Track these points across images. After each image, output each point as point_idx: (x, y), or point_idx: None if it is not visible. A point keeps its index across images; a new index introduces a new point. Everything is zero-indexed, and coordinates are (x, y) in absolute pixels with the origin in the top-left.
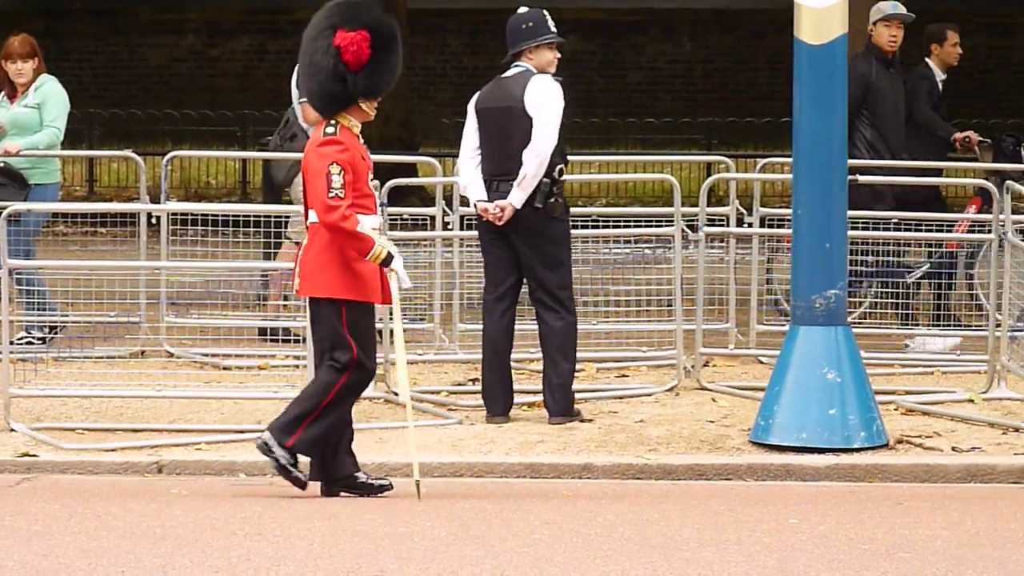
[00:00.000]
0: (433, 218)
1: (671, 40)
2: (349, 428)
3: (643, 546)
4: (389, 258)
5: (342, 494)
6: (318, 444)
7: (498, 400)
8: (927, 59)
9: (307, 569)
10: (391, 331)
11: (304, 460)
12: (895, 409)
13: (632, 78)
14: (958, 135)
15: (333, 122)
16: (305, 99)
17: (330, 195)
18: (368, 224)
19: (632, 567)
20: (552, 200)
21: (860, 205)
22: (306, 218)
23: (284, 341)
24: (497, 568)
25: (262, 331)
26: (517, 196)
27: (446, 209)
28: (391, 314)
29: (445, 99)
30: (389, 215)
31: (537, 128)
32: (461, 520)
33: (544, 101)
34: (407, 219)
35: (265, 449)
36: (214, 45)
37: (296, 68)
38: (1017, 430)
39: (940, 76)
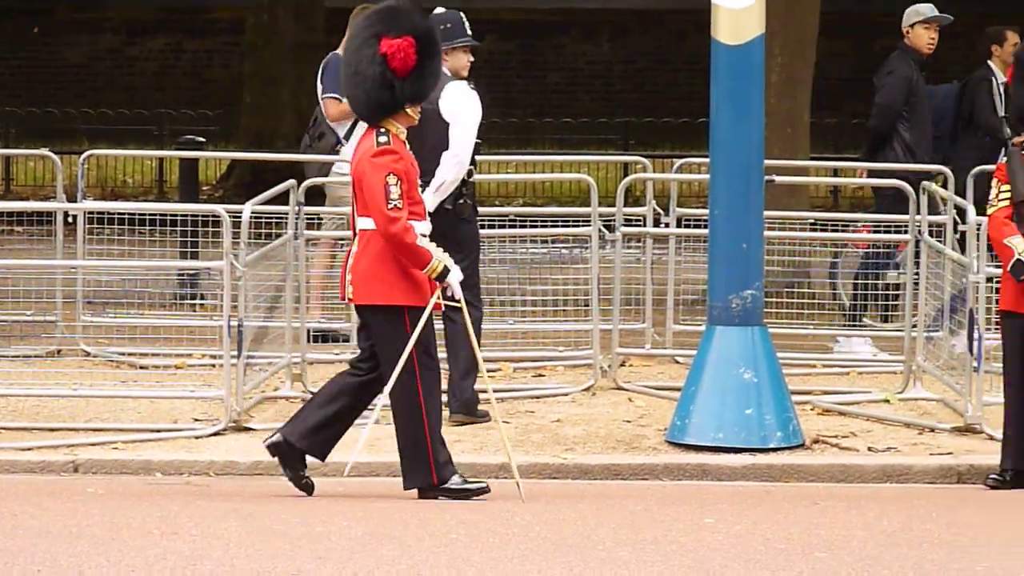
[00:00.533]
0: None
1: (590, 40)
2: (347, 423)
3: (560, 545)
4: (445, 272)
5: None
6: (449, 457)
7: None
8: (989, 61)
9: (224, 569)
10: (307, 330)
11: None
12: (811, 409)
13: (551, 78)
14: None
15: (384, 130)
16: (329, 95)
17: (389, 206)
18: (419, 230)
19: (549, 566)
20: (462, 201)
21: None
22: (353, 224)
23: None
24: (414, 568)
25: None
26: (431, 199)
27: None
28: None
29: None
30: (306, 214)
31: (456, 135)
32: (378, 519)
33: (462, 108)
34: (323, 219)
35: (430, 496)
36: (132, 44)
37: (322, 65)
38: (932, 430)
39: (1002, 78)
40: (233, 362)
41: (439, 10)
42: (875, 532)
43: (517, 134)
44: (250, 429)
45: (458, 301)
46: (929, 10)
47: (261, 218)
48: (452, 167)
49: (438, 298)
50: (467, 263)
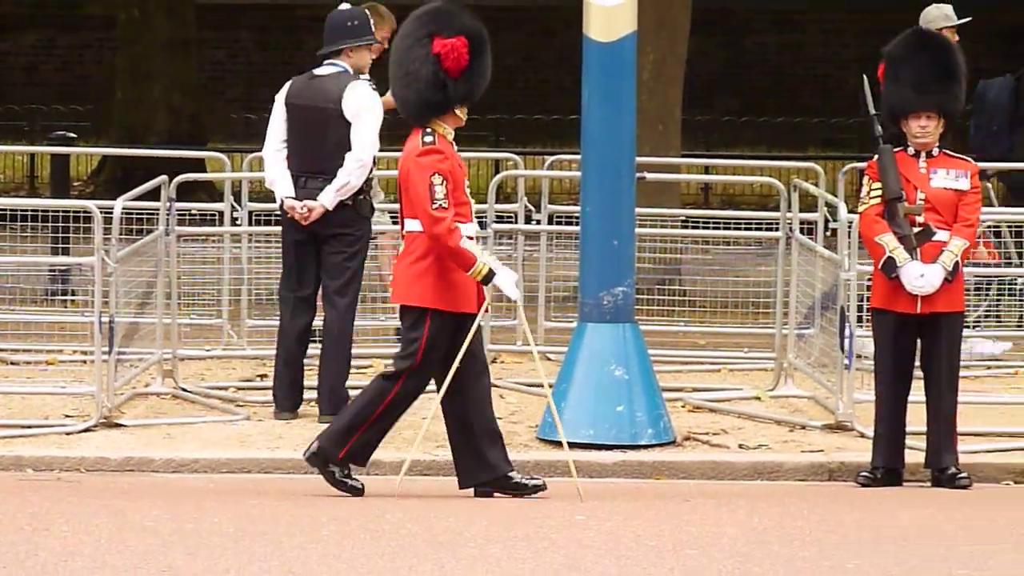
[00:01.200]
0: (221, 213)
1: None
2: (494, 425)
3: (431, 542)
4: (490, 275)
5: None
6: (367, 452)
7: (288, 397)
8: None
9: (95, 565)
10: (178, 325)
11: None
12: (683, 406)
13: None
14: None
15: (429, 130)
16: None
17: (434, 206)
18: (466, 232)
19: (419, 563)
20: (362, 197)
21: None
22: (401, 226)
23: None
24: (285, 564)
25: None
26: (330, 198)
27: (234, 204)
28: None
29: (235, 95)
30: (178, 210)
31: (359, 136)
32: (249, 516)
33: (365, 109)
34: (195, 214)
35: (316, 462)
36: (2, 39)
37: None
38: (803, 428)
39: None
40: (104, 358)
41: (344, 6)
42: (746, 529)
43: (388, 131)
44: (121, 425)
45: (513, 301)
46: (952, 13)
47: (132, 214)
48: (356, 171)
49: (487, 306)
50: (358, 261)
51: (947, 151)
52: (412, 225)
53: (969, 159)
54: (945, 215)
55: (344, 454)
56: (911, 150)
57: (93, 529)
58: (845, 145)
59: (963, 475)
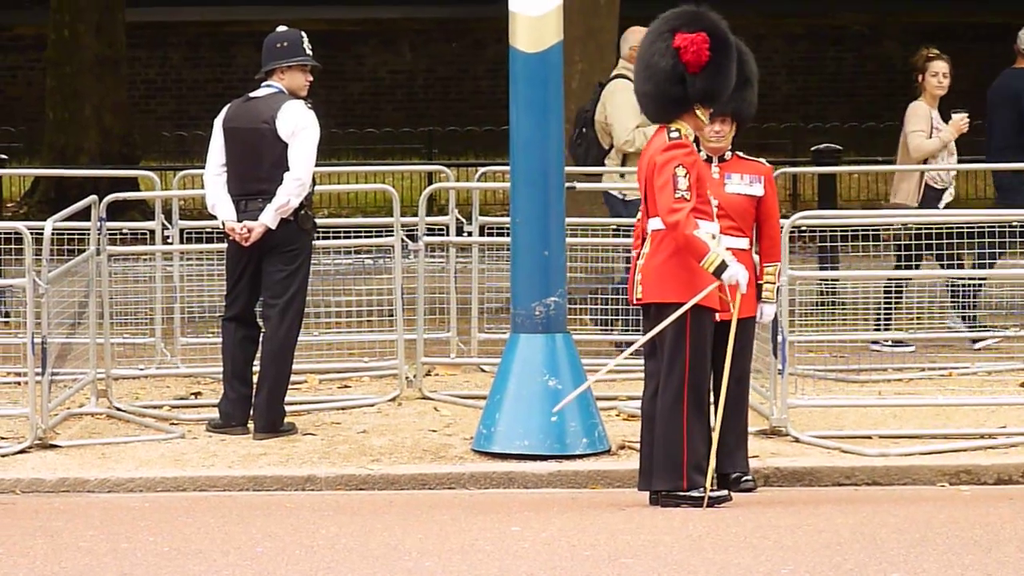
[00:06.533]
0: (153, 232)
1: (391, 50)
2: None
3: (366, 557)
4: (722, 268)
5: None
6: (703, 466)
7: (242, 411)
8: None
9: None
10: (111, 344)
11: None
12: (617, 415)
13: (353, 89)
14: None
15: (675, 127)
16: None
17: (676, 195)
18: (706, 229)
19: None
20: (303, 212)
21: None
22: (644, 227)
23: None
24: None
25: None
26: (271, 217)
27: (165, 223)
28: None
29: (165, 112)
30: (109, 229)
31: (297, 155)
32: (184, 535)
33: (301, 128)
34: (127, 233)
35: (672, 503)
36: None
37: None
38: None
39: None
40: (38, 379)
41: (280, 28)
42: (680, 537)
43: (320, 145)
44: (56, 446)
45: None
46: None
47: (64, 234)
48: (294, 190)
49: (727, 301)
50: (300, 276)
51: (740, 153)
52: (656, 223)
53: (763, 161)
54: (739, 221)
55: (687, 484)
56: (704, 155)
57: (28, 551)
58: None
59: (748, 478)
